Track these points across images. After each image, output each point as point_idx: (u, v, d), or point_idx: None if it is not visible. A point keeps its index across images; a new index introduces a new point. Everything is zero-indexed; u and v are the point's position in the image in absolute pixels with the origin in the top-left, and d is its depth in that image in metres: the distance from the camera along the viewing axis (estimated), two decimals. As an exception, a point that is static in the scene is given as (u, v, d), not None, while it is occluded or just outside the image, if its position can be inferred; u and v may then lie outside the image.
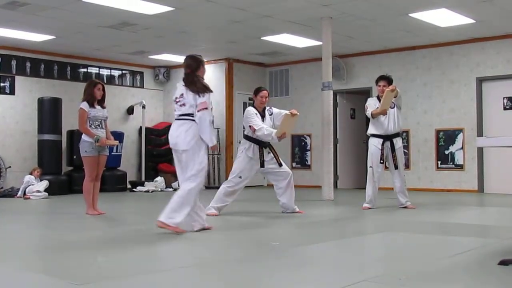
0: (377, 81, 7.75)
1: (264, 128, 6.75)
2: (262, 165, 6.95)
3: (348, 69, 12.28)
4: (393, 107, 7.57)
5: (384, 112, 7.46)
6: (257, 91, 7.09)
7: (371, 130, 7.69)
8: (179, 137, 5.28)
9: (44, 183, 10.04)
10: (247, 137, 6.97)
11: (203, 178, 5.33)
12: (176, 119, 5.39)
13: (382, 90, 7.53)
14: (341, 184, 12.47)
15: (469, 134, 10.80)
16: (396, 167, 7.60)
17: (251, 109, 6.97)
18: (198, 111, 5.21)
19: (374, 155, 7.59)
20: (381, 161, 7.58)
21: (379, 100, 7.57)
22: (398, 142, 7.67)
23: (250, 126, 6.83)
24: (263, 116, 7.01)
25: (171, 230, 5.20)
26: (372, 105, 7.64)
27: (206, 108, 5.20)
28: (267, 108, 7.12)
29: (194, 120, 5.27)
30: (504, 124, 10.34)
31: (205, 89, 5.29)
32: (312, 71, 12.67)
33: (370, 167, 7.62)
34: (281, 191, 7.08)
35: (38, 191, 9.89)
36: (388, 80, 7.66)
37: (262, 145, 6.94)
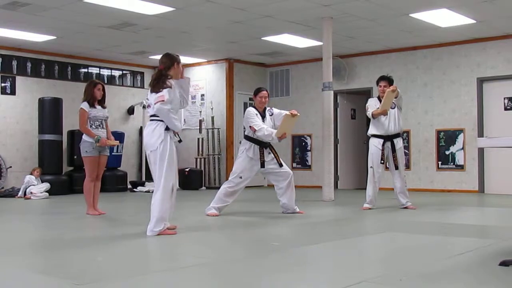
0: (378, 82, 7.75)
1: (265, 128, 6.75)
2: (262, 166, 6.95)
3: (348, 69, 12.27)
4: (394, 108, 7.58)
5: (384, 113, 7.46)
6: (257, 91, 7.09)
7: (372, 130, 7.69)
8: (146, 137, 5.28)
9: (45, 186, 10.05)
10: (247, 138, 6.97)
11: (171, 179, 5.21)
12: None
13: (383, 91, 7.53)
14: (342, 185, 12.47)
15: (470, 134, 10.80)
16: (396, 168, 7.60)
17: (251, 110, 6.97)
18: (154, 104, 5.19)
19: (374, 156, 7.60)
20: (382, 162, 7.58)
21: (380, 101, 7.57)
22: (399, 143, 7.67)
23: (250, 127, 6.83)
24: (263, 117, 7.01)
25: (165, 234, 5.20)
26: (372, 105, 7.65)
27: (162, 101, 5.15)
28: (268, 108, 7.12)
29: (159, 120, 5.25)
30: (504, 124, 10.34)
31: (163, 87, 5.25)
32: (313, 71, 12.67)
33: (371, 167, 7.62)
34: (281, 191, 7.07)
35: (40, 192, 9.90)
36: (389, 81, 7.66)
37: (262, 145, 6.94)
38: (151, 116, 5.32)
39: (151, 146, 5.23)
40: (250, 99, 13.40)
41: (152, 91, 5.32)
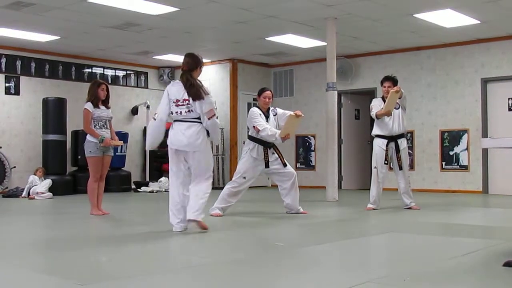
0: (382, 82, 7.74)
1: (268, 128, 6.75)
2: (266, 166, 6.95)
3: (354, 70, 12.27)
4: (398, 108, 7.56)
5: (388, 113, 7.45)
6: (261, 91, 7.09)
7: (376, 130, 7.68)
8: (191, 138, 5.33)
9: (47, 182, 10.07)
10: (251, 138, 6.97)
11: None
12: (181, 121, 5.41)
13: (387, 91, 7.52)
14: (345, 185, 12.46)
15: (474, 135, 10.78)
16: (400, 168, 7.59)
17: (255, 110, 6.97)
18: (208, 118, 5.31)
19: (378, 156, 7.59)
20: (386, 162, 7.57)
21: (384, 101, 7.56)
22: (403, 143, 7.66)
23: (254, 127, 6.83)
24: (267, 117, 7.00)
25: (200, 227, 5.36)
26: (376, 105, 7.64)
27: (214, 115, 5.35)
28: (272, 108, 7.12)
29: (200, 123, 5.35)
30: (509, 125, 10.31)
31: (206, 94, 5.34)
32: (317, 71, 12.66)
33: (375, 167, 7.61)
34: (285, 191, 7.07)
35: (42, 192, 9.92)
36: (393, 81, 7.65)
37: (266, 145, 6.94)
38: (193, 118, 5.35)
39: (196, 147, 5.33)
40: (254, 99, 13.39)
41: (193, 98, 5.32)
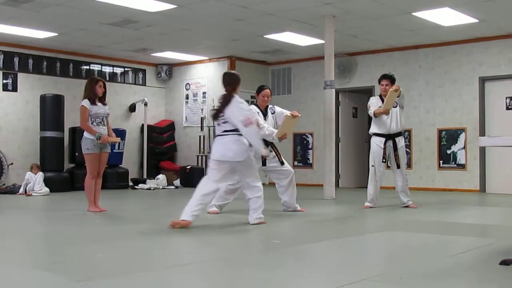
0: (379, 80, 7.74)
1: (265, 128, 6.75)
2: (263, 164, 6.95)
3: (354, 67, 12.28)
4: (396, 106, 7.56)
5: (387, 112, 7.45)
6: (260, 89, 7.10)
7: (373, 129, 7.68)
8: (231, 150, 5.66)
9: (40, 176, 10.01)
10: None
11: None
12: (220, 135, 5.77)
13: (385, 89, 7.52)
14: (343, 183, 12.46)
15: (472, 133, 10.79)
16: (398, 167, 7.59)
17: (253, 108, 6.96)
18: (245, 126, 5.57)
19: (376, 154, 7.59)
20: (383, 160, 7.57)
21: (382, 99, 7.56)
22: (401, 141, 7.66)
23: None
24: (265, 115, 7.00)
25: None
26: (374, 104, 7.63)
27: (251, 123, 5.61)
28: (270, 106, 7.12)
29: (240, 134, 5.67)
30: (506, 123, 10.32)
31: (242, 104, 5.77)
32: (315, 69, 12.66)
33: (372, 166, 7.61)
34: (282, 189, 7.07)
35: (40, 189, 9.91)
36: (391, 79, 7.65)
37: (264, 143, 6.94)
38: (228, 131, 5.70)
39: (240, 157, 5.67)
40: (252, 97, 13.40)
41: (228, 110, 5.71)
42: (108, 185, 11.05)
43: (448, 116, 11.15)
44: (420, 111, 11.46)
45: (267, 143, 6.97)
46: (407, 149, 11.41)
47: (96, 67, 12.68)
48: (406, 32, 10.34)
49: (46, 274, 3.55)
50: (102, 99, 7.21)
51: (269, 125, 6.91)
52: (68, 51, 12.01)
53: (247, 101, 12.80)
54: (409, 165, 11.14)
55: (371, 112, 7.60)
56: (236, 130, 5.65)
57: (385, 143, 7.57)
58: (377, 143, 7.60)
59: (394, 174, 7.67)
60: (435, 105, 11.31)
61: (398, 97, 7.47)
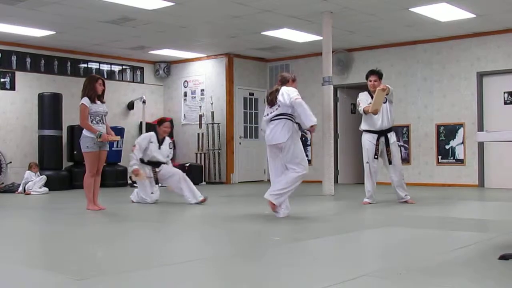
0: (367, 76, 7.65)
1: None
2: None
3: (352, 63, 12.27)
4: (385, 102, 7.49)
5: (375, 112, 7.36)
6: (160, 122, 8.02)
7: (364, 126, 7.61)
8: (276, 132, 5.97)
9: (42, 179, 10.05)
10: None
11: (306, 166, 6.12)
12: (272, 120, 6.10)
13: (373, 85, 7.46)
14: (342, 179, 12.47)
15: (470, 128, 10.80)
16: (390, 162, 7.55)
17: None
18: (295, 100, 5.96)
19: (369, 151, 7.55)
20: (376, 157, 7.54)
21: (370, 95, 7.50)
22: (392, 137, 7.62)
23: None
24: (160, 144, 8.00)
25: (271, 208, 6.02)
26: (364, 100, 7.56)
27: (298, 98, 6.00)
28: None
29: (288, 119, 6.04)
30: (504, 118, 10.33)
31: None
32: (313, 66, 12.65)
33: (367, 162, 7.58)
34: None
35: (38, 188, 9.92)
36: (378, 75, 7.57)
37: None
38: (277, 115, 6.07)
39: (282, 139, 5.98)
40: (250, 94, 13.44)
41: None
42: (107, 183, 11.05)
43: (447, 111, 11.15)
44: (419, 106, 11.47)
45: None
46: (406, 145, 11.44)
47: (94, 65, 12.67)
48: (403, 27, 10.33)
49: (44, 272, 3.56)
50: (101, 97, 7.20)
51: (161, 155, 7.81)
52: (65, 49, 11.99)
53: (245, 98, 12.90)
54: (407, 160, 11.15)
55: (360, 109, 7.53)
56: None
57: (377, 140, 7.53)
58: (369, 140, 7.55)
59: (387, 170, 7.65)
60: (433, 100, 11.31)
61: (387, 94, 7.39)
